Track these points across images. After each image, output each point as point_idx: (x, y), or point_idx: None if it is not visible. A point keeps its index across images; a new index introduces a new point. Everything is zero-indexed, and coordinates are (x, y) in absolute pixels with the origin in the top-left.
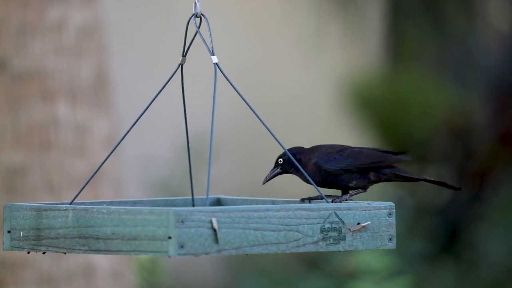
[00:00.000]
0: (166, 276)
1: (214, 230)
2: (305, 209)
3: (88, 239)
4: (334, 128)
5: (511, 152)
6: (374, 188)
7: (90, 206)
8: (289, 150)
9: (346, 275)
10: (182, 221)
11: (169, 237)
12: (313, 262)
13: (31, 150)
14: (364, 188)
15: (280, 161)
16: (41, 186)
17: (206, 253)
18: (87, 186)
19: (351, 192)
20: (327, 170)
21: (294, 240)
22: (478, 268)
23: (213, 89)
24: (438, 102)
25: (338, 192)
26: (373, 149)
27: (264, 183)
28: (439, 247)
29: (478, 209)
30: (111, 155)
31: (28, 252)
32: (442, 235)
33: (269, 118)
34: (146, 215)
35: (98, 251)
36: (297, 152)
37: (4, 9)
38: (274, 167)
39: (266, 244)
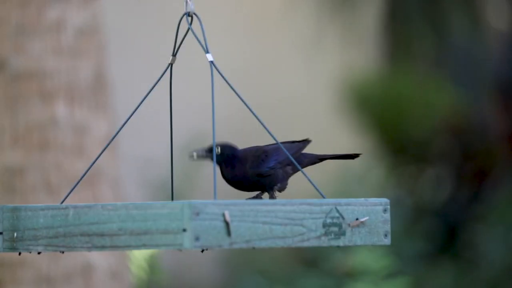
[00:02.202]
0: (164, 275)
1: (227, 223)
2: (308, 204)
3: (91, 236)
4: (332, 128)
5: (510, 152)
6: (372, 187)
7: (93, 204)
8: (226, 146)
9: (344, 274)
10: (197, 214)
11: (184, 230)
12: (311, 261)
13: (30, 150)
14: (285, 183)
15: (218, 151)
16: (39, 186)
17: (219, 246)
18: (85, 186)
19: (275, 187)
20: (262, 173)
21: (299, 235)
22: (477, 268)
23: (210, 89)
24: (437, 102)
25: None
26: (277, 143)
27: (190, 157)
28: (438, 247)
29: (477, 209)
30: (110, 156)
31: (19, 253)
32: (441, 235)
33: (266, 118)
34: (158, 209)
35: (103, 247)
36: (236, 153)
37: (3, 9)
38: (207, 151)
39: (274, 238)
